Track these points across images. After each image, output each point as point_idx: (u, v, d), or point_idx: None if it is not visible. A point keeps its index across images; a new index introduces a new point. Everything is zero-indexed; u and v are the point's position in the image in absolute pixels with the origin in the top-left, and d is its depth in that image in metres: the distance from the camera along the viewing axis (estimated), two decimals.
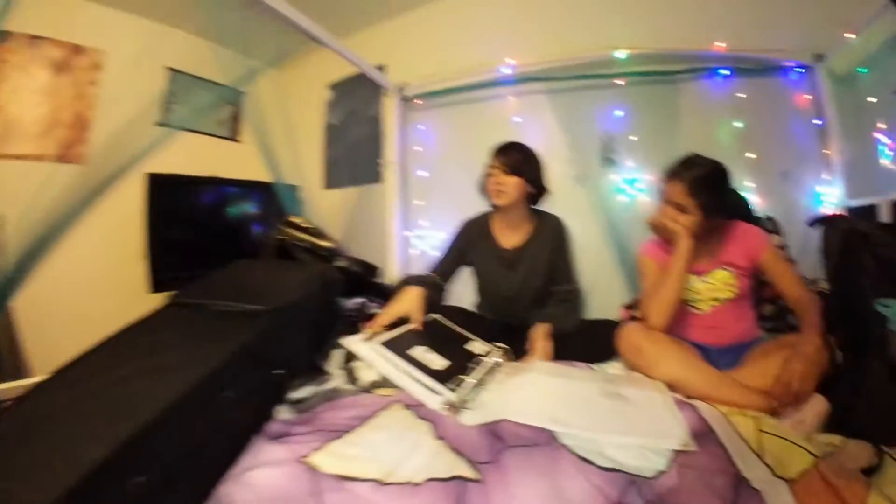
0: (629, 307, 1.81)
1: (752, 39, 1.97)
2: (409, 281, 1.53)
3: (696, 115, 2.11)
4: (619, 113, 2.23)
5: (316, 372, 1.15)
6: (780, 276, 1.33)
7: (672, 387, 1.12)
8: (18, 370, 1.86)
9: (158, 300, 2.54)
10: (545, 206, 1.72)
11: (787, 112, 1.99)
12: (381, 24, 3.04)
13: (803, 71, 1.95)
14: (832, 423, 0.97)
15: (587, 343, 1.42)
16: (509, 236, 1.65)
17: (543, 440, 0.82)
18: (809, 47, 1.89)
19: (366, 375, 1.13)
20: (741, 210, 1.59)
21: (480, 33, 2.64)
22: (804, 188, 1.94)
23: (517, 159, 1.59)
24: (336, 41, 2.03)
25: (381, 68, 2.76)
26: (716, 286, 1.39)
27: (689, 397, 1.06)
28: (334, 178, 3.17)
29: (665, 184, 1.38)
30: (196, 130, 2.27)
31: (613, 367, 1.26)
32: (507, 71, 2.40)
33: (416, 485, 0.70)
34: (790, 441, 0.84)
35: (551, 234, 1.62)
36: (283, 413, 1.00)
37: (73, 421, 0.71)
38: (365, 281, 1.62)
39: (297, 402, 1.04)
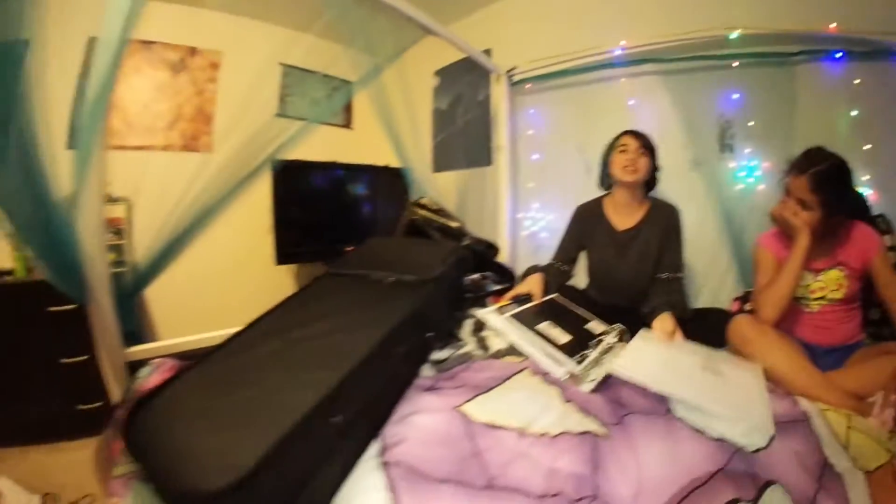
0: (741, 299, 1.82)
1: (871, 20, 1.78)
2: (533, 270, 1.69)
3: (813, 101, 1.97)
4: (735, 96, 2.14)
5: (452, 338, 1.35)
6: (884, 280, 1.33)
7: (774, 380, 1.17)
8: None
9: (284, 271, 2.88)
10: (659, 192, 1.77)
11: None
12: (487, 9, 3.08)
13: None
14: None
15: (697, 331, 1.47)
16: (623, 218, 1.74)
17: (661, 410, 0.97)
18: None
19: (495, 343, 1.30)
20: (857, 208, 1.54)
21: (590, 14, 2.60)
22: None
23: (647, 142, 1.68)
24: (443, 28, 2.17)
25: (487, 52, 2.85)
26: (827, 285, 1.40)
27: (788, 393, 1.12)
28: (443, 162, 3.33)
29: (788, 177, 1.39)
30: (312, 120, 2.53)
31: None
32: (618, 52, 2.35)
33: (553, 436, 0.85)
34: (872, 438, 0.91)
35: (664, 220, 1.68)
36: (426, 371, 1.21)
37: (282, 369, 0.83)
38: (487, 259, 1.77)
39: (437, 363, 1.23)
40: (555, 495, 0.71)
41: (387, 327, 0.97)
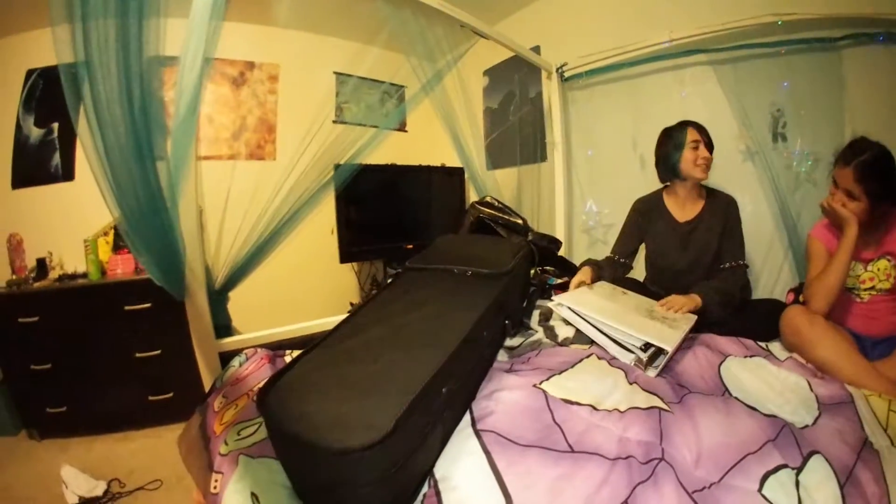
0: (795, 290, 1.87)
1: None
2: (588, 263, 1.81)
3: (860, 87, 1.97)
4: (785, 84, 2.15)
5: (523, 326, 1.50)
6: None
7: (824, 369, 1.25)
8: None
9: (346, 269, 3.06)
10: (713, 182, 1.84)
11: None
12: (532, 6, 3.15)
13: None
14: None
15: (753, 321, 1.58)
16: (684, 211, 1.83)
17: (719, 392, 1.11)
18: None
19: (563, 332, 1.45)
20: None
21: (636, 6, 2.63)
22: None
23: (709, 135, 1.75)
24: (494, 30, 2.29)
25: (536, 49, 2.94)
26: (877, 275, 1.44)
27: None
28: (497, 159, 3.42)
29: (835, 168, 1.44)
30: (367, 125, 2.59)
31: (775, 347, 1.40)
32: (666, 44, 2.39)
33: (622, 411, 0.99)
34: None
35: (723, 211, 1.76)
36: (502, 355, 1.35)
37: (395, 349, 0.93)
38: (549, 253, 1.88)
39: (511, 349, 1.39)
40: (627, 458, 0.84)
41: (476, 313, 1.09)
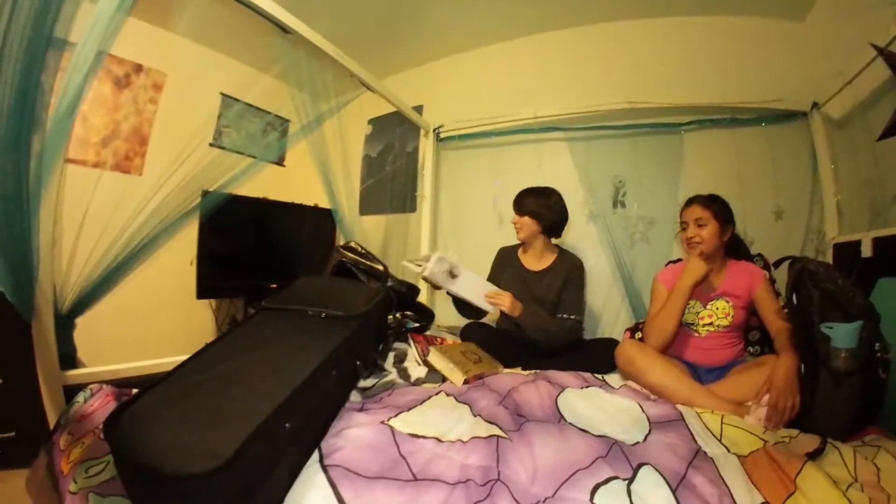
0: (631, 329, 2.09)
1: (749, 91, 2.24)
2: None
3: (697, 162, 2.40)
4: (626, 161, 2.54)
5: (377, 368, 1.46)
6: (767, 307, 1.57)
7: (658, 392, 1.38)
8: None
9: (201, 305, 2.75)
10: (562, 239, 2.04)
11: (783, 156, 2.25)
12: (422, 66, 3.38)
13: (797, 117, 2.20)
14: (793, 421, 1.22)
15: (592, 357, 1.72)
16: (533, 262, 2.03)
17: (554, 420, 1.15)
18: (807, 95, 2.13)
19: (415, 373, 1.47)
20: (740, 249, 1.82)
21: (510, 84, 2.96)
22: (796, 228, 2.19)
23: (528, 202, 1.98)
24: (379, 81, 2.39)
25: (419, 109, 3.10)
26: (715, 313, 1.64)
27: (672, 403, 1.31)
28: (369, 205, 3.46)
29: (683, 212, 1.69)
30: (246, 154, 2.53)
31: (611, 378, 1.51)
32: (531, 120, 2.70)
33: (465, 441, 0.99)
34: (745, 430, 1.12)
35: (567, 268, 1.96)
36: (355, 396, 1.30)
37: (240, 384, 0.93)
38: (408, 299, 1.92)
39: (364, 389, 1.34)
40: (466, 481, 0.84)
41: (324, 353, 1.08)
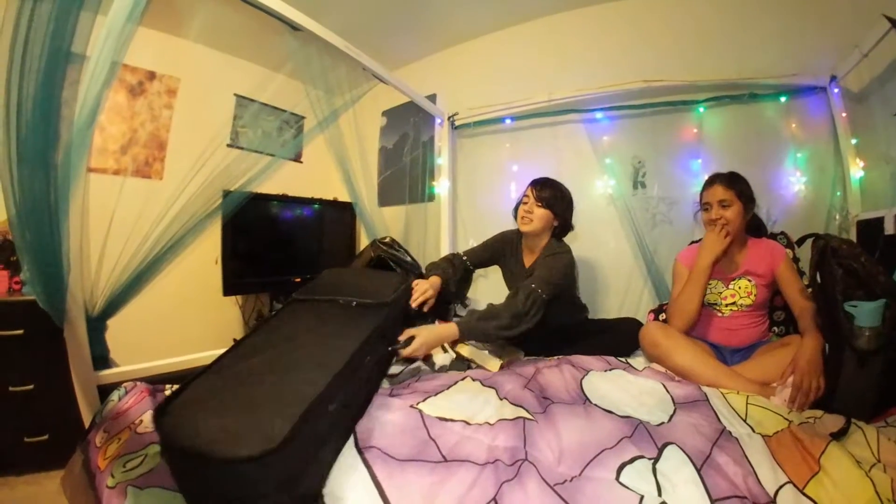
0: (654, 311, 2.08)
1: (766, 65, 2.19)
2: (432, 268, 1.87)
3: (716, 141, 2.36)
4: (645, 141, 2.52)
5: None
6: (790, 286, 1.55)
7: (683, 374, 1.38)
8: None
9: (227, 302, 2.81)
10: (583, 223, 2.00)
11: (804, 132, 2.20)
12: (434, 56, 3.37)
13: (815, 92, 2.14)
14: (818, 401, 1.22)
15: (615, 340, 1.71)
16: (529, 258, 1.89)
17: (580, 401, 1.17)
18: (825, 69, 2.08)
19: (440, 360, 1.51)
20: (760, 227, 1.81)
21: (523, 68, 2.93)
22: (819, 206, 2.15)
23: (550, 194, 1.79)
24: (391, 72, 2.39)
25: (432, 98, 3.11)
26: (738, 292, 1.63)
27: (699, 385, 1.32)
28: (388, 197, 3.49)
29: (704, 193, 1.66)
30: (263, 152, 2.54)
31: (635, 360, 1.52)
32: (545, 103, 2.67)
33: (492, 424, 1.02)
34: (771, 410, 1.12)
35: (547, 257, 1.76)
36: (384, 383, 1.34)
37: (282, 371, 0.95)
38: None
39: (392, 376, 1.40)
40: (495, 461, 0.87)
41: (359, 339, 1.11)
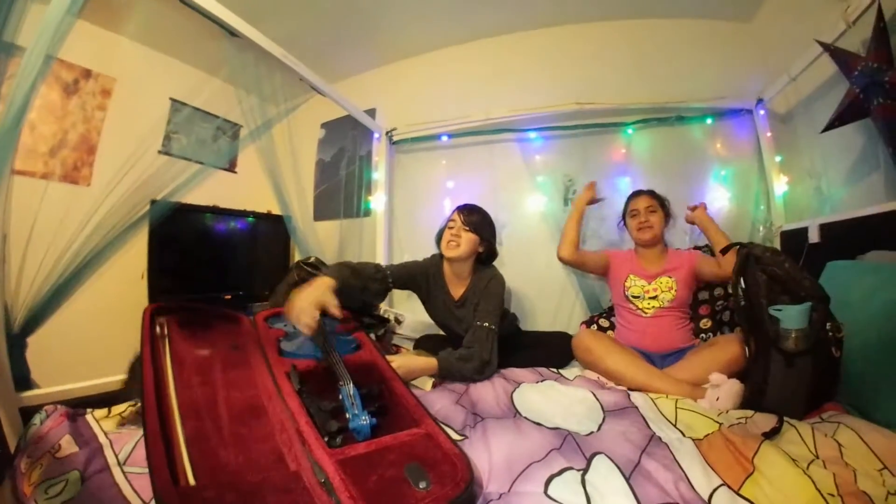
0: (585, 323, 2.13)
1: (696, 90, 2.33)
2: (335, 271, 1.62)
3: (642, 159, 2.47)
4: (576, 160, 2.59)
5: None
6: (708, 262, 1.74)
7: (615, 378, 1.39)
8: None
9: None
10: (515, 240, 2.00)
11: (729, 151, 2.35)
12: (374, 70, 3.32)
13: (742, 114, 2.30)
14: (748, 402, 1.23)
15: (548, 352, 1.71)
16: (456, 287, 1.82)
17: (510, 415, 1.13)
18: (753, 92, 2.24)
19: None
20: None
21: (462, 86, 2.95)
22: (743, 219, 2.27)
23: (477, 219, 1.77)
24: (331, 84, 2.33)
25: (372, 112, 3.05)
26: (659, 287, 1.76)
27: (630, 388, 1.33)
28: (324, 211, 3.34)
29: (632, 201, 1.91)
30: (195, 160, 2.44)
31: (567, 371, 1.52)
32: (482, 122, 2.70)
33: None
34: (700, 414, 1.12)
35: (484, 283, 1.73)
36: None
37: None
38: (367, 306, 1.92)
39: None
40: None
41: None
